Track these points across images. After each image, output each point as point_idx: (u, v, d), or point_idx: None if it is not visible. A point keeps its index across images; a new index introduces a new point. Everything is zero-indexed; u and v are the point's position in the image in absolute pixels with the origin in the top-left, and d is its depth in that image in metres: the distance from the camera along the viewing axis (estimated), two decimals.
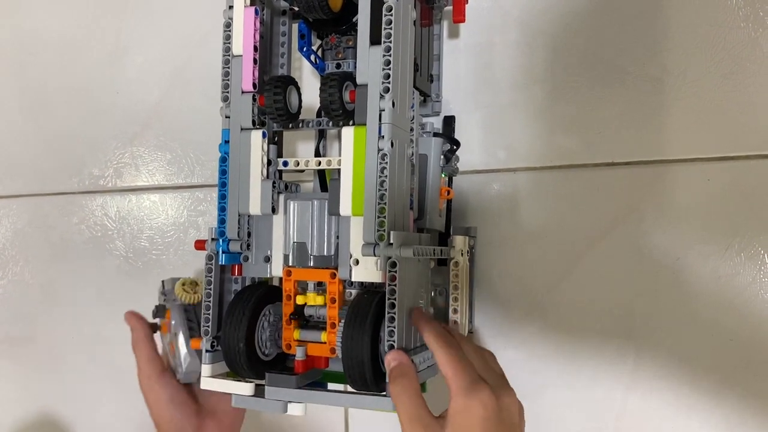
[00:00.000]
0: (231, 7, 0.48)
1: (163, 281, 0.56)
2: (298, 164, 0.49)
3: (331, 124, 0.49)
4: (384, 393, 0.43)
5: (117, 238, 0.74)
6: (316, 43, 0.53)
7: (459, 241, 0.52)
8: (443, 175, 0.53)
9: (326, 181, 0.54)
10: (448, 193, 0.53)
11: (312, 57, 0.53)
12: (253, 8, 0.48)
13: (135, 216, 0.74)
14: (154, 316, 0.56)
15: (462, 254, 0.51)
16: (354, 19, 0.50)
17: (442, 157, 0.52)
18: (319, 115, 0.53)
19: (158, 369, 0.54)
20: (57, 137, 0.76)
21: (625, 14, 0.57)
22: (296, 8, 0.51)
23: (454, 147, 0.53)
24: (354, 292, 0.48)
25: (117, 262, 0.74)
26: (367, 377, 0.42)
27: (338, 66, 0.51)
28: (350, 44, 0.52)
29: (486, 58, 0.61)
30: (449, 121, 0.58)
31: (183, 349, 0.53)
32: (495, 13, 0.61)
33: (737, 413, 0.55)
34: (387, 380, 0.42)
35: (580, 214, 0.59)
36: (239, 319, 0.46)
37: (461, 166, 0.58)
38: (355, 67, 0.44)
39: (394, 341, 0.42)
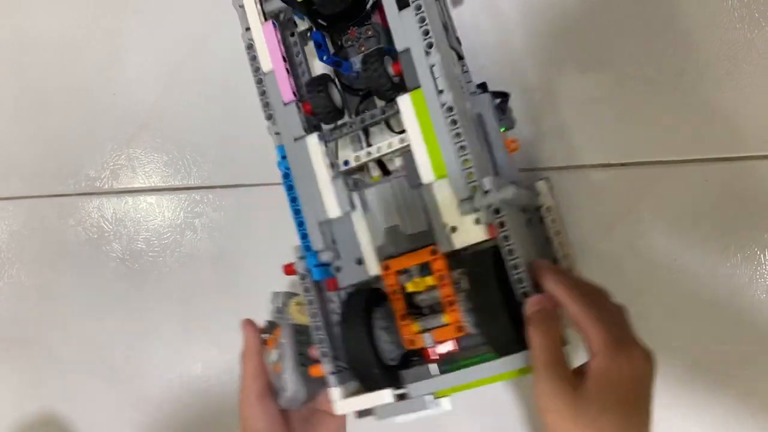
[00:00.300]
0: (248, 28, 0.48)
1: (275, 293, 0.53)
2: (359, 159, 0.47)
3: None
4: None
5: (113, 240, 0.72)
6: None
7: (542, 187, 0.49)
8: (502, 129, 0.51)
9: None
10: (515, 144, 0.50)
11: (334, 62, 0.52)
12: (270, 22, 0.47)
13: (131, 218, 0.72)
14: (264, 331, 0.53)
15: (551, 198, 0.49)
16: (368, 5, 0.49)
17: (496, 111, 0.50)
18: (357, 112, 0.51)
19: (262, 388, 0.50)
20: (53, 139, 0.75)
21: (620, 15, 0.56)
22: (303, 15, 0.50)
23: (506, 98, 0.51)
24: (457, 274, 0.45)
25: (113, 264, 0.72)
26: (514, 336, 0.39)
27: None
28: (369, 33, 0.51)
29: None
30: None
31: (289, 374, 0.49)
32: None
33: (734, 413, 0.54)
34: (526, 325, 0.38)
35: (578, 217, 0.56)
36: (359, 332, 0.43)
37: None
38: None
39: (525, 287, 0.39)
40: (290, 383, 0.49)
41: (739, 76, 0.53)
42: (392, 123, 0.55)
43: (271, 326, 0.53)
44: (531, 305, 0.39)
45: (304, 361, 0.50)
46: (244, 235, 0.68)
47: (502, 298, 0.39)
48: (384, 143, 0.46)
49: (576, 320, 0.38)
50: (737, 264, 0.53)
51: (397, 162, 0.55)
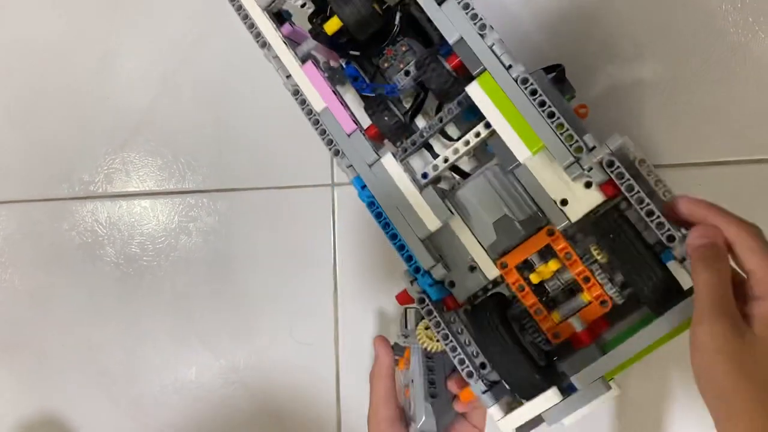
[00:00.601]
0: (289, 76, 0.47)
1: (405, 311, 0.50)
2: (437, 168, 0.45)
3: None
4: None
5: (107, 245, 0.70)
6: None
7: (627, 141, 0.47)
8: (565, 98, 0.49)
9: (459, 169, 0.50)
10: (585, 110, 0.49)
11: (375, 89, 0.51)
12: (309, 62, 0.46)
13: (126, 222, 0.70)
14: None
15: (640, 151, 0.46)
16: (396, 21, 0.49)
17: (554, 83, 0.48)
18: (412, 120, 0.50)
19: (393, 414, 0.46)
20: (47, 142, 0.73)
21: (615, 17, 0.57)
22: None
23: (560, 70, 0.50)
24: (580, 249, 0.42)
25: (107, 269, 0.70)
26: (674, 285, 0.36)
27: (407, 73, 0.49)
28: (405, 49, 0.50)
29: None
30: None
31: (420, 404, 0.45)
32: None
33: None
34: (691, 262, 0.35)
35: None
36: (504, 342, 0.40)
37: None
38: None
39: (669, 230, 0.36)
40: (422, 414, 0.46)
41: (732, 81, 0.54)
42: (448, 131, 0.54)
43: (400, 350, 0.49)
44: (695, 237, 0.35)
45: (433, 391, 0.47)
46: (239, 240, 0.67)
47: (649, 249, 0.36)
48: (459, 143, 0.44)
49: (743, 255, 0.34)
50: None
51: (468, 166, 0.54)
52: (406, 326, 0.52)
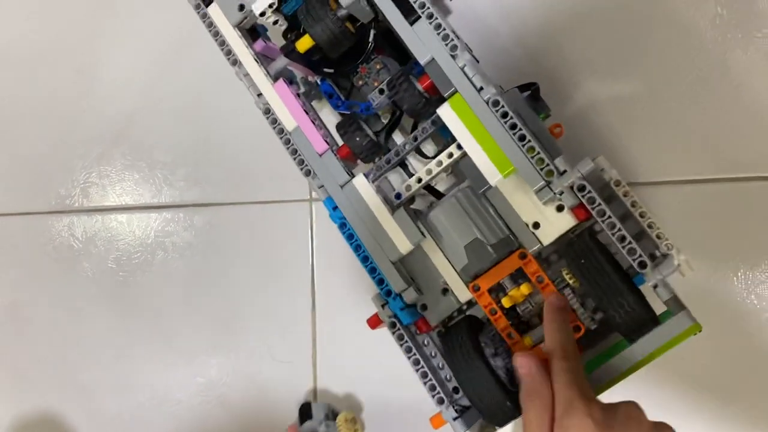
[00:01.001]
0: (260, 94, 0.46)
1: (310, 405, 0.53)
2: (409, 188, 0.45)
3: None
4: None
5: (84, 260, 0.69)
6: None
7: (603, 162, 0.47)
8: (540, 117, 0.49)
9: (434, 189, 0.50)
10: (559, 129, 0.48)
11: (350, 106, 0.51)
12: (280, 81, 0.45)
13: (102, 237, 0.69)
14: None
15: (616, 171, 0.46)
16: (370, 39, 0.48)
17: (529, 102, 0.48)
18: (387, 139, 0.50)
19: None
20: (22, 155, 0.72)
21: (593, 33, 0.56)
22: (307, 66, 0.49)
23: (535, 88, 0.49)
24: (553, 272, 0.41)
25: (84, 284, 0.69)
26: (648, 313, 0.36)
27: (381, 92, 0.49)
28: (379, 67, 0.50)
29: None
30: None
31: None
32: None
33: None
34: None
35: None
36: (476, 367, 0.39)
37: None
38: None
39: (641, 256, 0.36)
40: None
41: (711, 98, 0.53)
42: (424, 150, 0.53)
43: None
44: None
45: None
46: (216, 255, 0.66)
47: (622, 278, 0.36)
48: (432, 164, 0.44)
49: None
50: (712, 285, 0.53)
51: (445, 184, 0.53)
52: (308, 418, 0.52)
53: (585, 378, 0.35)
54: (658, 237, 0.44)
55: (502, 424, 0.39)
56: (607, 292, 0.36)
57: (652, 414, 0.53)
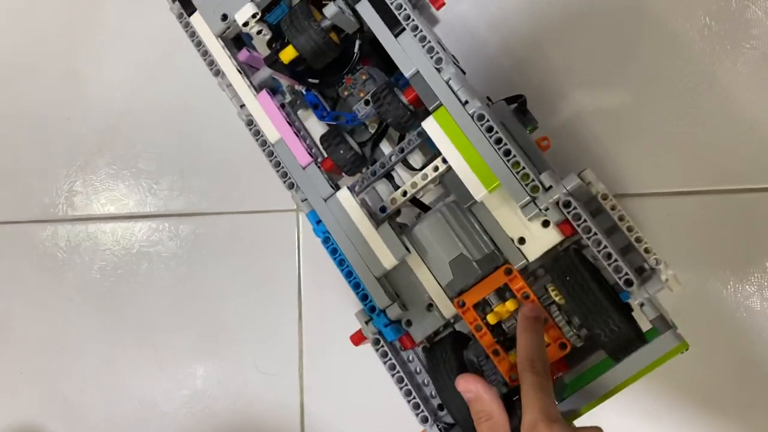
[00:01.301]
0: (242, 105, 0.45)
1: None
2: (395, 201, 0.44)
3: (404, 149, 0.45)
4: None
5: (67, 270, 0.68)
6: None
7: (590, 175, 0.46)
8: (527, 129, 0.48)
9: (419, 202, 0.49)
10: (546, 142, 0.48)
11: (335, 117, 0.50)
12: (263, 92, 0.45)
13: (86, 246, 0.68)
14: None
15: (603, 185, 0.45)
16: (355, 49, 0.47)
17: (516, 114, 0.47)
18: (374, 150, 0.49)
19: None
20: (6, 163, 0.71)
21: (581, 44, 0.56)
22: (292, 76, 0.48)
23: (522, 101, 0.49)
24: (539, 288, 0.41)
25: (67, 294, 0.68)
26: (633, 331, 0.35)
27: (367, 103, 0.48)
28: (365, 78, 0.49)
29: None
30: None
31: None
32: None
33: None
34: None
35: None
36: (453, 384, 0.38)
37: None
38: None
39: (627, 274, 0.35)
40: None
41: (699, 110, 0.53)
42: (410, 161, 0.53)
43: None
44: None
45: None
46: (201, 266, 0.65)
47: (607, 295, 0.35)
48: (417, 177, 0.43)
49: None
50: (699, 297, 0.52)
51: (432, 195, 0.52)
52: None
53: (551, 395, 0.34)
54: (646, 251, 0.44)
55: None
56: (592, 310, 0.35)
57: (643, 427, 0.53)
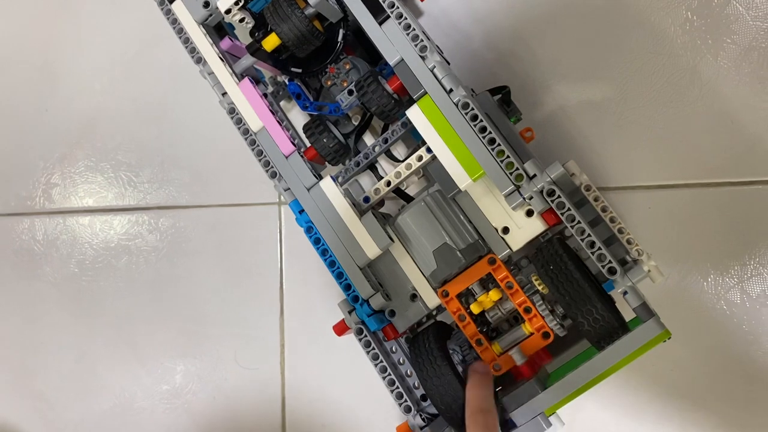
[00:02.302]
0: (224, 93, 0.45)
1: None
2: (378, 191, 0.44)
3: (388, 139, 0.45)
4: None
5: (45, 263, 0.67)
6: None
7: (574, 167, 0.46)
8: (511, 121, 0.48)
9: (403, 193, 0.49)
10: (530, 133, 0.48)
11: (319, 107, 0.49)
12: (246, 80, 0.44)
13: (64, 240, 0.67)
14: None
15: (586, 176, 0.46)
16: (339, 39, 0.47)
17: (500, 105, 0.47)
18: (357, 141, 0.49)
19: None
20: None
21: (565, 37, 0.56)
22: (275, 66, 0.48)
23: (506, 92, 0.49)
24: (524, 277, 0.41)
25: (45, 289, 0.67)
26: (616, 320, 0.35)
27: (350, 92, 0.47)
28: (348, 67, 0.49)
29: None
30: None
31: None
32: None
33: None
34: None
35: None
36: (444, 373, 0.38)
37: None
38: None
39: (610, 262, 0.35)
40: None
41: (682, 104, 0.53)
42: (394, 153, 0.53)
43: None
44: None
45: None
46: (182, 260, 0.64)
47: (591, 284, 0.35)
48: (401, 167, 0.43)
49: None
50: (682, 290, 0.53)
51: (416, 188, 0.52)
52: None
53: None
54: (629, 242, 0.44)
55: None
56: (576, 299, 0.35)
57: (622, 419, 0.53)
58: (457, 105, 0.39)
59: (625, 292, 0.36)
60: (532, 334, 0.39)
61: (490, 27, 0.57)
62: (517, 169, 0.37)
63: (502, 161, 0.38)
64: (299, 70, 0.49)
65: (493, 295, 0.40)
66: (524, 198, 0.37)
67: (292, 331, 0.61)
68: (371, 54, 0.50)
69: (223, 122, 0.61)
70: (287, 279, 0.62)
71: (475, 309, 0.40)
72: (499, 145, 0.38)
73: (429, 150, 0.41)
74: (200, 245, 0.64)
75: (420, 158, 0.42)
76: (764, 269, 0.52)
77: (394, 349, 0.43)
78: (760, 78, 0.52)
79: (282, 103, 0.58)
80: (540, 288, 0.38)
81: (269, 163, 0.43)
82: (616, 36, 0.54)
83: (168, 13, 0.46)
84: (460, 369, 0.39)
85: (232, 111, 0.44)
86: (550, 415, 0.37)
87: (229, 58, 0.47)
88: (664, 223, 0.54)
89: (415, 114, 0.40)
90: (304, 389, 0.60)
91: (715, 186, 0.53)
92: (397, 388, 0.40)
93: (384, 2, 0.40)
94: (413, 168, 0.42)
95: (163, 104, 0.65)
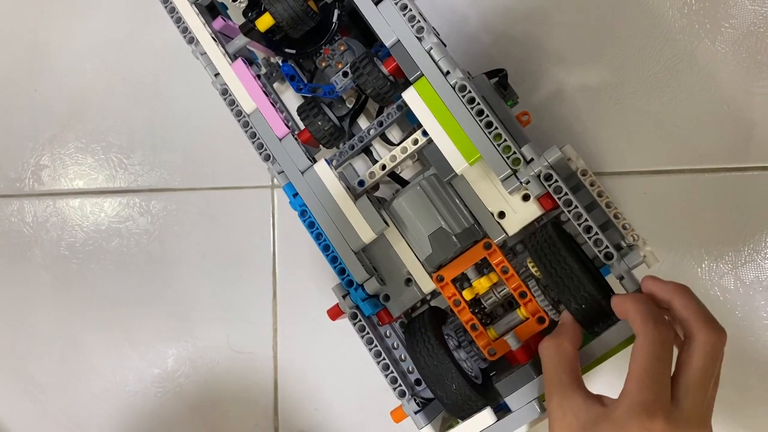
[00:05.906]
0: (217, 74, 0.44)
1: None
2: (373, 175, 0.43)
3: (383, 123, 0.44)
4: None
5: (34, 246, 0.67)
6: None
7: (570, 151, 0.46)
8: (508, 104, 0.48)
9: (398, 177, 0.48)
10: (527, 117, 0.47)
11: (313, 89, 0.49)
12: (239, 60, 0.43)
13: (54, 222, 0.66)
14: None
15: (582, 161, 0.45)
16: (334, 19, 0.46)
17: (497, 89, 0.47)
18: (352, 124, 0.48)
19: None
20: None
21: (562, 21, 0.55)
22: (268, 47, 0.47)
23: (503, 75, 0.48)
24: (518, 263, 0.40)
25: (34, 272, 0.67)
26: (608, 307, 0.35)
27: (345, 74, 0.47)
28: (343, 48, 0.48)
29: None
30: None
31: None
32: None
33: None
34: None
35: None
36: (440, 357, 0.38)
37: None
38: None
39: (607, 247, 0.35)
40: None
41: (678, 88, 0.53)
42: (389, 136, 0.52)
43: None
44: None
45: None
46: (173, 243, 0.63)
47: (585, 269, 0.35)
48: (396, 150, 0.42)
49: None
50: (675, 276, 0.50)
51: (411, 172, 0.52)
52: None
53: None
54: (624, 228, 0.44)
55: (465, 417, 0.38)
56: (569, 284, 0.35)
57: None
58: (454, 88, 0.38)
59: (621, 278, 0.36)
60: (527, 318, 0.39)
61: (486, 9, 0.56)
62: (514, 153, 0.37)
63: (499, 145, 0.37)
64: (293, 51, 0.48)
65: (489, 279, 0.39)
66: (521, 182, 0.37)
67: (285, 315, 0.61)
68: (367, 35, 0.49)
69: (215, 104, 0.60)
70: (280, 263, 0.61)
71: (469, 294, 0.39)
72: (496, 128, 0.37)
73: (425, 133, 0.40)
74: (192, 228, 0.63)
75: (415, 142, 0.42)
76: (758, 255, 0.52)
77: (388, 333, 0.43)
78: (757, 63, 0.52)
79: (275, 85, 0.57)
80: (535, 272, 0.38)
81: (263, 145, 0.43)
82: (613, 19, 0.54)
83: None
84: (456, 356, 0.39)
85: (225, 92, 0.44)
86: (544, 401, 0.37)
87: (221, 38, 0.46)
88: (659, 208, 0.53)
89: (411, 96, 0.39)
90: (296, 373, 0.60)
91: (711, 172, 0.53)
92: (392, 372, 0.40)
93: None
94: (409, 151, 0.42)
95: (155, 85, 0.64)
